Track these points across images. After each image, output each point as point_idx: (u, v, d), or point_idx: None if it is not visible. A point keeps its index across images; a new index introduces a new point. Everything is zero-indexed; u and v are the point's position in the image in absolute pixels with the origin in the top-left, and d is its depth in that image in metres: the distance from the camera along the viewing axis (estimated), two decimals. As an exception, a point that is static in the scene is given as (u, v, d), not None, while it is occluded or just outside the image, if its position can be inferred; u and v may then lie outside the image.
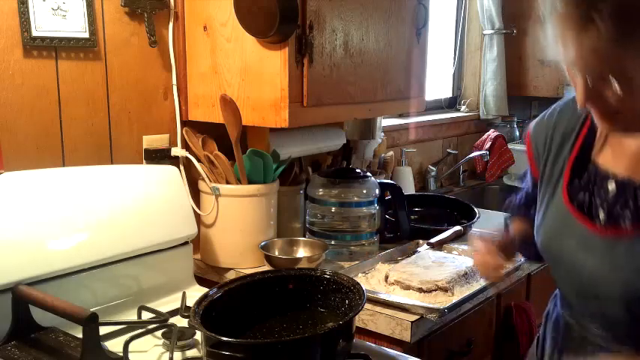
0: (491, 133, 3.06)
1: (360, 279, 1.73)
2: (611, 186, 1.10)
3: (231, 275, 1.75)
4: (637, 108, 0.96)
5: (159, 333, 1.35)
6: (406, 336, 1.48)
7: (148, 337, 1.34)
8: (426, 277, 1.66)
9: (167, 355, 1.26)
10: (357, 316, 1.17)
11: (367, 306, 1.52)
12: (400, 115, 2.84)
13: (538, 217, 1.23)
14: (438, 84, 3.25)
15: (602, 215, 1.10)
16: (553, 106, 1.28)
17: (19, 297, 1.25)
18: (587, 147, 1.16)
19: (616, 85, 0.92)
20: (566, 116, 1.22)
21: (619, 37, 0.89)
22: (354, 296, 1.23)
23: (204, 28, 1.76)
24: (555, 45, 0.96)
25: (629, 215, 1.06)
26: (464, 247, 2.00)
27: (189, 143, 1.81)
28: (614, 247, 1.06)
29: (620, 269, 1.05)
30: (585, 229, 1.11)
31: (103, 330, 1.26)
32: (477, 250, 1.35)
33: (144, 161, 1.76)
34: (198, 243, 1.81)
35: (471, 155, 3.01)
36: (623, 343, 1.11)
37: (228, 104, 1.67)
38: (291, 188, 1.96)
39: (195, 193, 1.81)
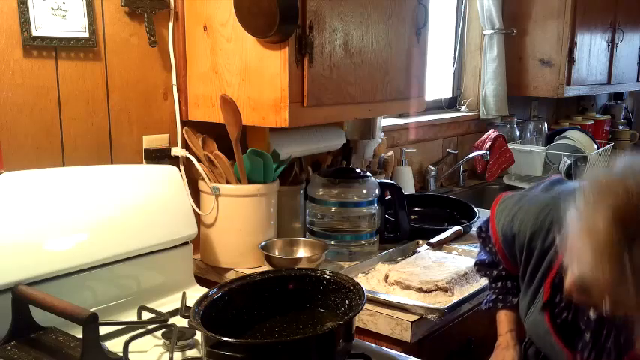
0: (492, 133, 3.06)
1: (360, 279, 1.73)
2: (593, 315, 1.10)
3: (231, 275, 1.75)
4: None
5: (159, 333, 1.35)
6: (406, 336, 1.48)
7: (148, 337, 1.34)
8: (426, 277, 1.66)
9: (167, 355, 1.26)
10: (357, 316, 1.17)
11: (367, 306, 1.52)
12: (400, 115, 2.83)
13: (523, 303, 1.25)
14: (438, 84, 3.25)
15: (585, 353, 1.10)
16: (525, 210, 1.25)
17: (19, 297, 1.25)
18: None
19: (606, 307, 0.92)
20: (543, 229, 1.21)
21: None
22: (354, 296, 1.23)
23: (204, 28, 1.76)
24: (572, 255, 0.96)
25: (611, 350, 1.05)
26: (464, 247, 2.00)
27: (189, 143, 1.81)
28: None
29: None
30: (567, 357, 1.13)
31: (103, 330, 1.26)
32: None
33: (144, 161, 1.76)
34: (198, 243, 1.81)
35: (471, 155, 3.01)
36: None
37: (228, 104, 1.67)
38: (291, 188, 1.96)
39: (195, 193, 1.81)
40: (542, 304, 1.18)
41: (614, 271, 0.87)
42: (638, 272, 0.86)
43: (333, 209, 1.89)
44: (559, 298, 1.14)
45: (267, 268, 1.69)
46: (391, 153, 2.52)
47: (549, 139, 3.45)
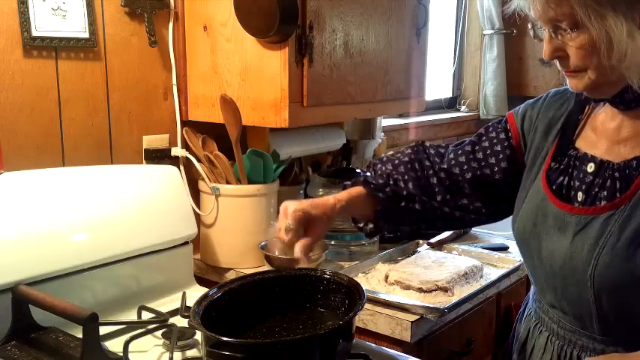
0: (491, 133, 3.06)
1: (360, 279, 1.73)
2: (590, 168, 1.11)
3: (231, 275, 1.75)
4: (600, 66, 1.02)
5: (159, 333, 1.35)
6: (406, 336, 1.48)
7: (148, 337, 1.34)
8: (426, 277, 1.66)
9: (167, 355, 1.26)
10: (357, 316, 1.17)
11: (367, 306, 1.52)
12: (400, 115, 2.84)
13: (517, 205, 1.24)
14: (438, 84, 3.25)
15: (580, 197, 1.11)
16: (544, 95, 1.30)
17: (19, 297, 1.24)
18: (568, 133, 1.19)
19: (570, 34, 1.03)
20: (554, 105, 1.25)
21: None
22: (354, 296, 1.23)
23: (204, 28, 1.76)
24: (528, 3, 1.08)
25: (605, 194, 1.07)
26: (464, 247, 2.00)
27: (189, 143, 1.81)
28: (589, 224, 1.07)
29: (592, 246, 1.05)
30: (561, 211, 1.12)
31: (103, 330, 1.26)
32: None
33: (144, 161, 1.76)
34: (198, 243, 1.81)
35: (471, 155, 3.01)
36: (593, 336, 1.11)
37: (228, 104, 1.67)
38: (291, 188, 1.96)
39: (195, 193, 1.81)
40: (544, 172, 1.19)
41: None
42: None
43: (333, 209, 1.88)
44: (557, 165, 1.16)
45: (267, 268, 1.69)
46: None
47: (549, 139, 3.44)
